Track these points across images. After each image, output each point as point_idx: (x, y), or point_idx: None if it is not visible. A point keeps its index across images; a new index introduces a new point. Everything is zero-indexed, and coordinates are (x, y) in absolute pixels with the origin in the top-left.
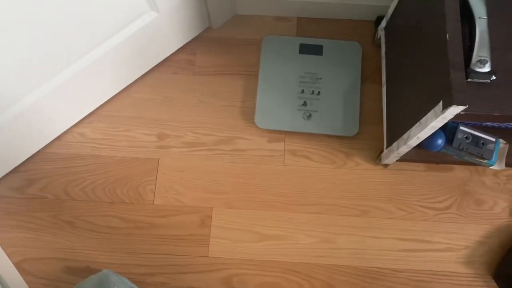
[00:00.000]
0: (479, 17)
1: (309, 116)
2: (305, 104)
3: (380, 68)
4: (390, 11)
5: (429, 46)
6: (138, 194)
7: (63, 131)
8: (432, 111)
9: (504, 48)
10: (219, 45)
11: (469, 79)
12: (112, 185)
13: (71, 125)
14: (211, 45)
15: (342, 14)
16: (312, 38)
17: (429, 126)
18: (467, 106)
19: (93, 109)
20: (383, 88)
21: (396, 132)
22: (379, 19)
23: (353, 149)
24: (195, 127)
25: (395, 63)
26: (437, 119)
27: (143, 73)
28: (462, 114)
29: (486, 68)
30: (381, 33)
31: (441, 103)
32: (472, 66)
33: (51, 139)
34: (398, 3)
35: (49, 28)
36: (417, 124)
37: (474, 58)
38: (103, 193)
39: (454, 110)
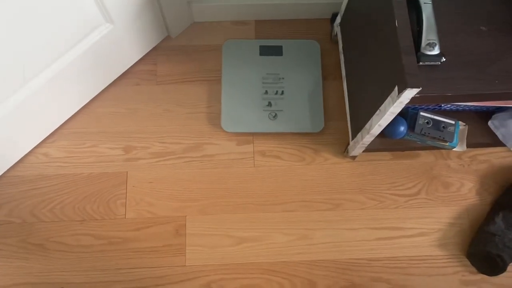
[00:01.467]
0: (424, 3)
1: (275, 116)
2: (270, 104)
3: (339, 64)
4: (343, 7)
5: (381, 35)
6: (109, 209)
7: (25, 152)
8: (389, 97)
9: (451, 30)
10: (179, 53)
11: (420, 63)
12: (82, 203)
13: (33, 146)
14: (171, 54)
15: (298, 14)
16: (271, 39)
17: (388, 112)
18: (421, 89)
19: (55, 127)
20: (344, 83)
21: (359, 123)
22: (334, 16)
23: (321, 144)
24: (162, 136)
25: (353, 57)
26: (395, 104)
27: (104, 86)
28: (418, 97)
29: (436, 51)
30: (337, 29)
31: (396, 88)
32: (422, 50)
33: (14, 162)
34: None
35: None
36: (377, 112)
37: (423, 42)
38: (73, 212)
39: (409, 94)
